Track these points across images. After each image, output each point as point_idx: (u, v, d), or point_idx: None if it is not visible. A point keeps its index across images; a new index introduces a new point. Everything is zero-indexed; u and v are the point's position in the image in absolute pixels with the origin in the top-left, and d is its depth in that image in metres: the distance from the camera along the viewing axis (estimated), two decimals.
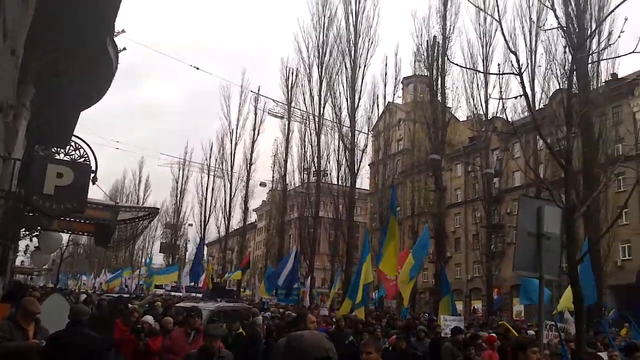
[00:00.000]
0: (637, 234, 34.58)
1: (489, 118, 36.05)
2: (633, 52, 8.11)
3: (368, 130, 42.33)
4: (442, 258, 33.96)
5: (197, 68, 49.64)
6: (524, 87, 8.10)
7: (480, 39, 35.62)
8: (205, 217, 59.04)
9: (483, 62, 35.31)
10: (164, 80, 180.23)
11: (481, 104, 35.17)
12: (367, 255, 17.08)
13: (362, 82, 40.76)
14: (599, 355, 9.05)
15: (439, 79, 36.19)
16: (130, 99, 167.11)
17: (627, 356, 8.55)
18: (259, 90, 56.57)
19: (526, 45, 32.49)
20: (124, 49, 8.57)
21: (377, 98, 42.09)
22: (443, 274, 17.43)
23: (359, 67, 40.62)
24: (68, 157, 8.87)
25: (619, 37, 7.93)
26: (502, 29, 8.93)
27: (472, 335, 10.46)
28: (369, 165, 49.50)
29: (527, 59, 31.58)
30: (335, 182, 41.95)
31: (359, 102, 40.71)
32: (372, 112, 41.95)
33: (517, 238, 6.42)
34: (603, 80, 28.89)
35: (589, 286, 12.94)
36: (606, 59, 25.27)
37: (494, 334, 11.34)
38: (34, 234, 15.09)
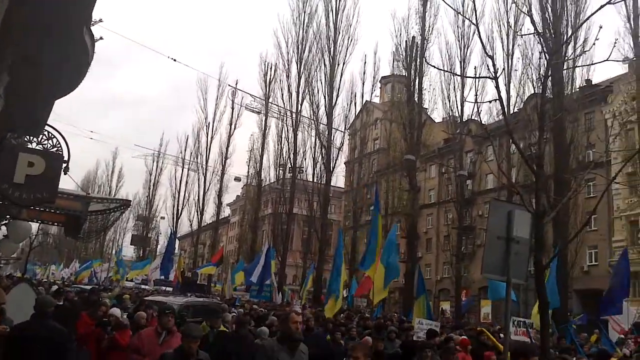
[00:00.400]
0: (604, 240, 35.30)
1: (464, 120, 36.37)
2: (607, 59, 8.31)
3: (345, 128, 42.51)
4: (414, 258, 34.23)
5: (175, 60, 49.52)
6: (499, 92, 8.21)
7: (459, 41, 35.76)
8: (177, 210, 58.66)
9: (461, 64, 35.54)
10: (141, 72, 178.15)
11: (457, 106, 35.38)
12: (342, 254, 17.18)
13: (340, 79, 40.97)
14: None
15: (417, 79, 36.37)
16: (106, 89, 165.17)
17: None
18: (236, 84, 56.35)
19: (503, 49, 32.70)
20: (101, 38, 8.44)
21: (355, 96, 42.31)
22: (419, 274, 17.62)
23: (338, 65, 40.78)
24: (40, 146, 8.71)
25: (594, 44, 8.10)
26: (479, 32, 9.01)
27: (446, 338, 10.57)
28: (344, 163, 49.74)
29: (504, 63, 31.92)
30: (311, 179, 42.04)
31: (336, 99, 40.87)
32: (349, 111, 42.10)
33: (487, 241, 6.47)
34: (577, 87, 29.36)
35: (552, 291, 13.18)
36: (581, 66, 25.69)
37: (466, 337, 11.46)
38: (3, 222, 14.82)
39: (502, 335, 12.36)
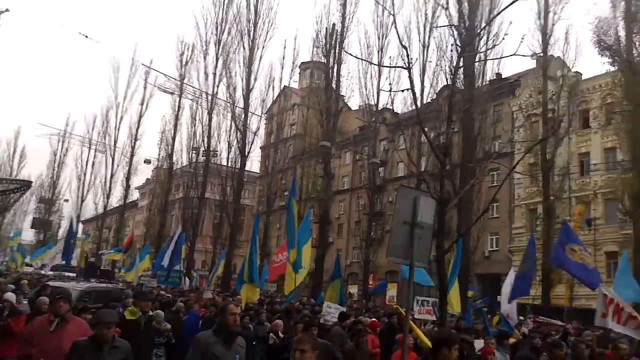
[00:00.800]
0: (505, 227, 37.21)
1: (379, 109, 36.94)
2: (514, 54, 8.72)
3: (262, 112, 41.94)
4: (325, 243, 34.59)
5: (86, 36, 47.15)
6: (411, 82, 8.38)
7: (377, 30, 36.26)
8: (82, 192, 56.44)
9: (378, 53, 35.94)
10: (49, 48, 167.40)
11: (373, 95, 35.87)
12: (257, 240, 17.07)
13: (259, 63, 39.98)
14: (471, 341, 9.52)
15: (335, 66, 36.50)
16: (10, 65, 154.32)
17: (497, 343, 9.34)
18: (150, 63, 54.55)
19: (419, 40, 33.44)
20: (7, 10, 7.80)
21: (273, 81, 41.43)
22: (337, 258, 17.96)
23: (257, 48, 39.86)
24: None
25: (504, 38, 8.46)
26: (395, 23, 9.19)
27: (354, 320, 10.85)
28: (260, 148, 49.27)
29: (419, 54, 32.63)
30: (225, 164, 41.31)
31: (254, 83, 40.03)
32: (267, 95, 41.34)
33: (393, 226, 6.56)
34: (488, 80, 30.48)
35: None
36: (492, 59, 26.62)
37: (375, 319, 11.87)
38: None
39: (412, 315, 12.83)
